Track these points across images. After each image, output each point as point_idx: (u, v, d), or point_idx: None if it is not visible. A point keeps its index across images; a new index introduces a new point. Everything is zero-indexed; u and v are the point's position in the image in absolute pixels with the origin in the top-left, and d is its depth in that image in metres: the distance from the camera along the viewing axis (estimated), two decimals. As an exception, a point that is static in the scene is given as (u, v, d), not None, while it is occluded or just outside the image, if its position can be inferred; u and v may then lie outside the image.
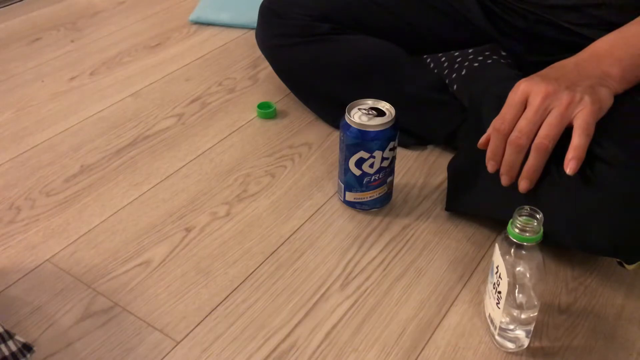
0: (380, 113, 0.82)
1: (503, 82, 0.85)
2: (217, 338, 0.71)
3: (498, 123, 0.71)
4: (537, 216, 0.62)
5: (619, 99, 0.71)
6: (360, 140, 0.81)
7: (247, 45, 1.33)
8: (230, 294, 0.76)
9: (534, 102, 0.68)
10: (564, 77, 0.70)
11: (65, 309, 0.74)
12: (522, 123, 0.69)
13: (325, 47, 1.00)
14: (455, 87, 0.99)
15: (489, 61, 0.97)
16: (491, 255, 0.80)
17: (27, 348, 0.66)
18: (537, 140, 0.68)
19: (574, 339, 0.71)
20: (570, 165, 0.66)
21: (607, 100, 0.69)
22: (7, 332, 0.65)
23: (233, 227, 0.86)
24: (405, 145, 1.01)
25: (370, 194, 0.86)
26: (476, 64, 0.97)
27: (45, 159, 1.00)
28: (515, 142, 0.69)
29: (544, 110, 0.68)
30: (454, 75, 1.00)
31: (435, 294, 0.77)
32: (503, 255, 0.64)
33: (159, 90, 1.19)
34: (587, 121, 0.66)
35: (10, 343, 0.65)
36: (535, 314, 0.66)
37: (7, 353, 0.64)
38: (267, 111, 1.08)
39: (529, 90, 0.69)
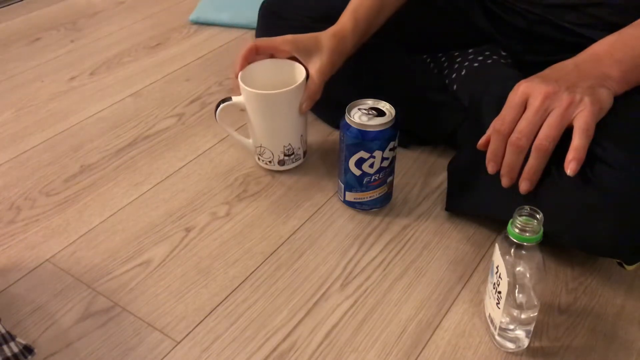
0: (380, 113, 0.82)
1: (503, 82, 0.85)
2: (217, 338, 0.71)
3: (498, 124, 0.71)
4: (537, 216, 0.62)
5: (619, 99, 0.71)
6: (360, 140, 0.81)
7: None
8: (230, 294, 0.76)
9: (534, 103, 0.68)
10: (564, 78, 0.70)
11: (65, 309, 0.74)
12: (522, 124, 0.69)
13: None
14: (455, 87, 0.99)
15: (489, 61, 0.97)
16: (491, 255, 0.80)
17: (28, 350, 0.66)
18: (537, 142, 0.68)
19: (574, 339, 0.71)
20: (570, 166, 0.66)
21: (607, 101, 0.69)
22: (8, 333, 0.65)
23: (233, 227, 0.86)
24: (405, 145, 1.01)
25: (370, 194, 0.86)
26: (476, 64, 0.97)
27: (45, 159, 1.00)
28: (515, 143, 0.69)
29: (544, 111, 0.68)
30: (454, 75, 1.00)
31: (435, 294, 0.77)
32: (503, 255, 0.64)
33: (159, 90, 1.19)
34: (587, 122, 0.66)
35: (12, 345, 0.65)
36: (535, 314, 0.66)
37: (9, 354, 0.64)
38: (267, 111, 1.08)
39: (529, 92, 0.69)
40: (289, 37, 0.89)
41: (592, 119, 0.66)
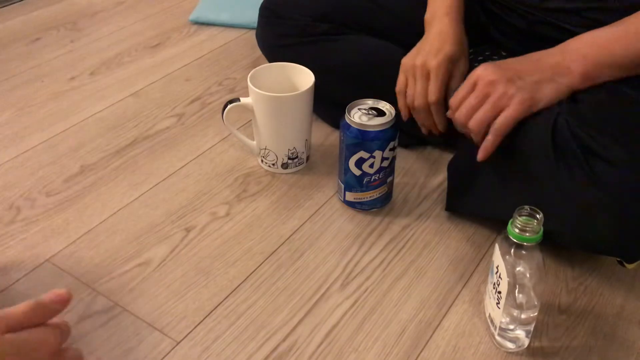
0: (380, 113, 0.82)
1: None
2: (217, 338, 0.71)
3: (452, 100, 0.78)
4: (537, 216, 0.62)
5: (620, 97, 0.71)
6: (360, 140, 0.81)
7: (247, 45, 1.33)
8: (230, 294, 0.76)
9: (478, 88, 0.75)
10: (515, 68, 0.75)
11: (65, 309, 0.74)
12: (465, 105, 0.76)
13: (325, 48, 1.00)
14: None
15: (490, 61, 0.97)
16: (491, 255, 0.80)
17: None
18: (472, 122, 0.75)
19: (574, 339, 0.71)
20: (479, 155, 0.75)
21: (547, 97, 0.73)
22: None
23: (233, 227, 0.86)
24: (405, 145, 1.01)
25: (370, 194, 0.86)
26: (476, 64, 0.97)
27: (45, 159, 1.00)
28: (456, 119, 0.77)
29: (484, 96, 0.74)
30: (454, 75, 1.00)
31: (435, 294, 0.77)
32: (503, 255, 0.64)
33: (159, 90, 1.19)
34: (504, 122, 0.73)
35: None
36: (535, 314, 0.66)
37: None
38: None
39: (480, 75, 0.76)
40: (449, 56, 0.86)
41: (512, 119, 0.73)
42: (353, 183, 0.86)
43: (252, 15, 1.17)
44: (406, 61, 0.87)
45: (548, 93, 0.74)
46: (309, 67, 0.93)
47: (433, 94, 0.84)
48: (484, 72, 0.76)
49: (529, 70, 0.75)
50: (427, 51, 0.85)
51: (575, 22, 0.86)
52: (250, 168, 0.97)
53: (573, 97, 0.75)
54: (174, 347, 0.70)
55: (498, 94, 0.73)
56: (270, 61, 1.09)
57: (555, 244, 0.79)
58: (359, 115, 0.82)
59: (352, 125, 0.81)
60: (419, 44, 0.89)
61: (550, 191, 0.71)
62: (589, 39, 0.76)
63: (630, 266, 0.78)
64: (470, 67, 0.97)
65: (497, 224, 0.84)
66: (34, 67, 1.27)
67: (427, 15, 0.91)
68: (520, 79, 0.73)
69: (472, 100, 0.76)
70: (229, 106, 0.92)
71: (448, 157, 0.96)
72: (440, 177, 0.95)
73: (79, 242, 0.84)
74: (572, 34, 0.87)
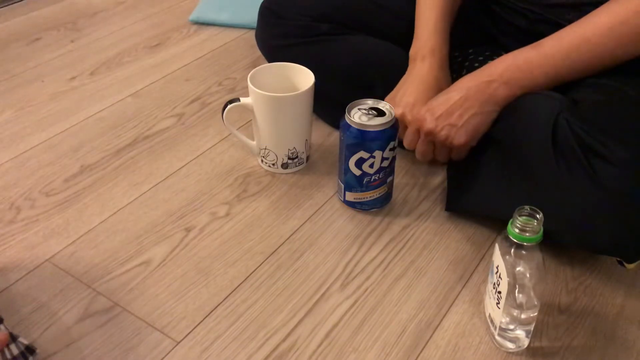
0: (380, 113, 0.82)
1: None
2: (217, 338, 0.71)
3: (405, 145, 0.89)
4: (537, 216, 0.62)
5: (620, 97, 0.71)
6: (360, 140, 0.81)
7: (247, 45, 1.34)
8: (230, 294, 0.76)
9: (422, 137, 0.85)
10: (447, 111, 0.81)
11: (65, 309, 0.74)
12: (421, 153, 0.88)
13: (325, 48, 1.00)
14: (455, 87, 0.99)
15: (490, 61, 0.97)
16: (491, 255, 0.80)
17: (30, 351, 0.66)
18: (438, 159, 0.89)
19: (574, 339, 0.71)
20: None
21: (482, 125, 0.82)
22: (10, 334, 0.65)
23: (233, 227, 0.86)
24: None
25: (370, 194, 0.86)
26: (477, 64, 0.97)
27: (45, 159, 1.00)
28: (419, 158, 0.90)
29: (430, 142, 0.86)
30: (454, 75, 1.00)
31: (435, 294, 0.77)
32: (503, 255, 0.64)
33: (159, 90, 1.19)
34: (459, 155, 0.85)
35: (13, 346, 0.65)
36: (535, 314, 0.66)
37: (9, 357, 0.64)
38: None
39: (420, 125, 0.84)
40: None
41: (463, 152, 0.85)
42: (353, 183, 0.86)
43: (252, 15, 1.17)
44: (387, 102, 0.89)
45: (481, 122, 0.81)
46: (309, 67, 0.93)
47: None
48: (422, 121, 0.83)
49: (459, 107, 0.81)
50: (405, 103, 0.87)
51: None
52: (250, 168, 0.97)
53: (573, 98, 0.76)
54: (174, 347, 0.70)
55: (440, 140, 0.83)
56: (269, 61, 1.09)
57: (555, 244, 0.79)
58: (359, 115, 0.82)
59: (352, 125, 0.81)
60: (400, 85, 0.91)
61: (550, 191, 0.71)
62: (510, 61, 0.80)
63: (630, 266, 0.78)
64: (472, 68, 0.97)
65: (497, 224, 0.84)
66: (34, 67, 1.27)
67: (412, 51, 0.92)
68: (455, 118, 0.81)
69: (421, 147, 0.87)
70: (229, 106, 0.92)
71: (448, 157, 0.96)
72: (440, 177, 0.95)
73: (79, 242, 0.84)
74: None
